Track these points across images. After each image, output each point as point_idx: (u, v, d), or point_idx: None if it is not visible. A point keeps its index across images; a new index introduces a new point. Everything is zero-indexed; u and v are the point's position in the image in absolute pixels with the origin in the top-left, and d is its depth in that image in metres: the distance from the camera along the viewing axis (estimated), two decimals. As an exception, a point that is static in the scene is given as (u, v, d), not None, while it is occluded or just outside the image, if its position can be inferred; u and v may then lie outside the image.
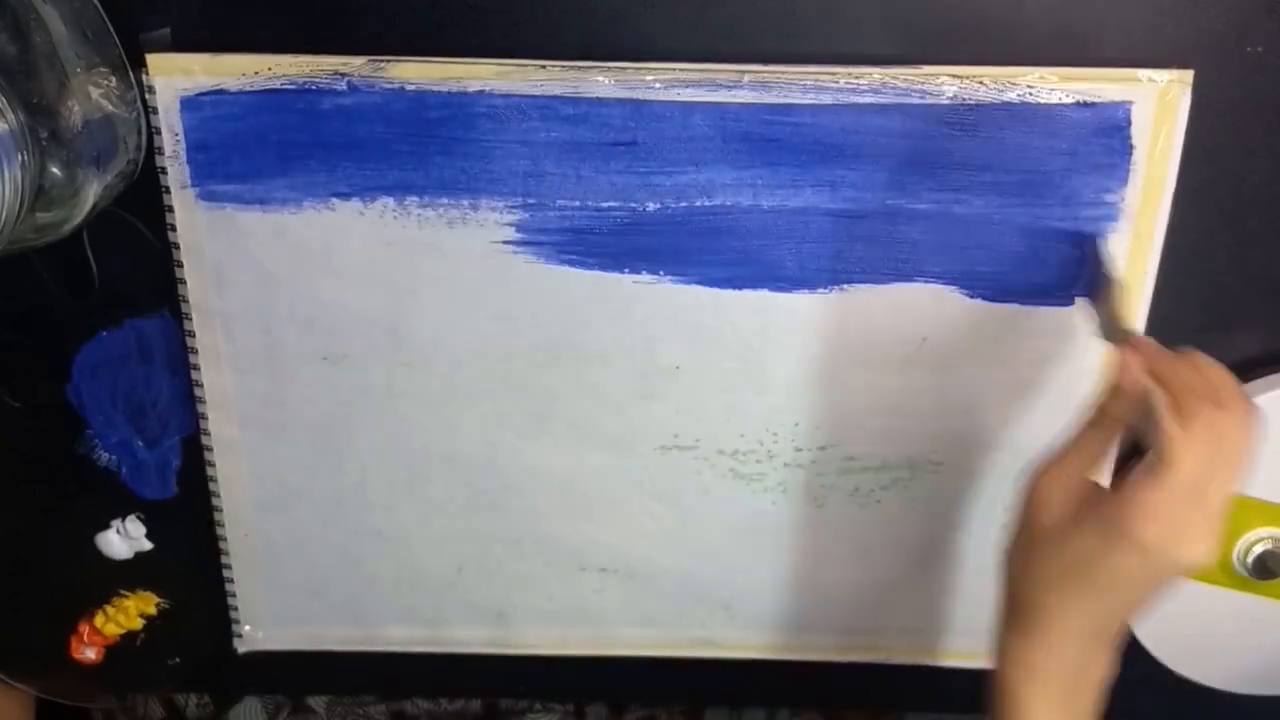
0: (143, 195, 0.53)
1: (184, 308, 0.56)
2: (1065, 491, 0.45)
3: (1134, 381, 0.44)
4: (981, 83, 0.50)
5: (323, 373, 0.57)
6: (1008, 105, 0.50)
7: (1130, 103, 0.50)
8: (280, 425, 0.59)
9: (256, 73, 0.51)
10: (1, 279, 0.56)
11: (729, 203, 0.53)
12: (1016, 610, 0.47)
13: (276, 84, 0.51)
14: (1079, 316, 0.54)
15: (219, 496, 0.61)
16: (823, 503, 0.60)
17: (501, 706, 0.76)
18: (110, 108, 0.50)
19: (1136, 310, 0.54)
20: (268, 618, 0.65)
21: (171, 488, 0.61)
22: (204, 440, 0.59)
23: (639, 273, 0.54)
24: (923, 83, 0.50)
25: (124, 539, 0.63)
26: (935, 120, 0.51)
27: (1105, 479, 0.49)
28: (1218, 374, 0.43)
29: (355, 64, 0.50)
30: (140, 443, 0.60)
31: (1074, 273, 0.53)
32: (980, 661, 0.65)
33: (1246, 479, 0.42)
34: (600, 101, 0.51)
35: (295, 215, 0.53)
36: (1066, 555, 0.44)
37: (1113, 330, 0.49)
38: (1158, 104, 0.50)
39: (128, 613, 0.65)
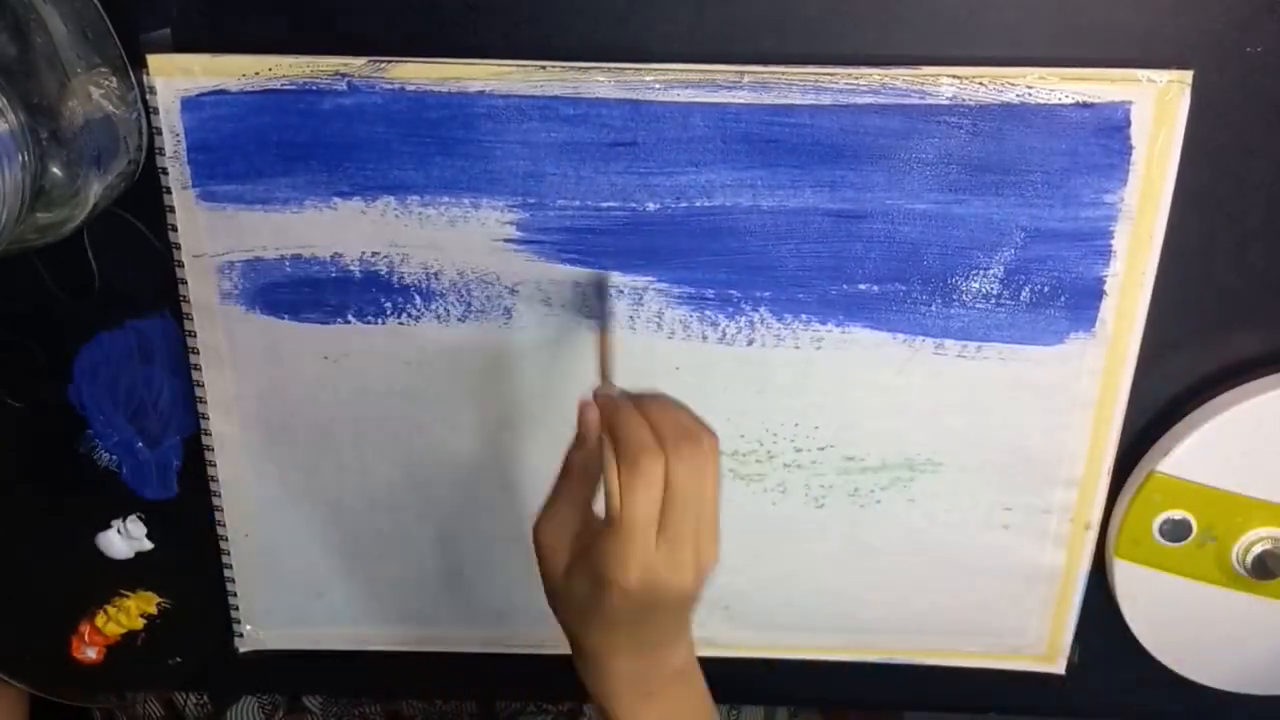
0: (143, 195, 0.53)
1: (184, 308, 0.56)
2: (563, 538, 0.47)
3: (587, 436, 0.46)
4: (981, 83, 0.50)
5: (323, 373, 0.57)
6: (1007, 105, 0.50)
7: (1130, 103, 0.50)
8: (280, 425, 0.59)
9: (257, 73, 0.51)
10: (2, 279, 0.56)
11: (729, 203, 0.53)
12: (574, 648, 0.49)
13: (277, 84, 0.51)
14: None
15: (219, 496, 0.61)
16: (822, 503, 0.60)
17: (499, 707, 0.76)
18: (111, 108, 0.50)
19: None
20: (268, 617, 0.65)
21: (172, 488, 0.61)
22: (204, 440, 0.59)
23: (639, 272, 0.54)
24: (922, 83, 0.50)
25: (125, 539, 0.63)
26: (935, 121, 0.51)
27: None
28: (665, 417, 0.45)
29: (356, 64, 0.50)
30: (141, 443, 0.60)
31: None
32: (981, 661, 0.65)
33: (714, 491, 0.45)
34: (600, 102, 0.51)
35: (297, 214, 0.53)
36: (576, 601, 0.46)
37: (600, 371, 0.51)
38: (1157, 104, 0.50)
39: (128, 612, 0.65)
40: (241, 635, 0.65)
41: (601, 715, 0.49)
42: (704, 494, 0.45)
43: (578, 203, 0.53)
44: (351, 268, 0.55)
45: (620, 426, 0.45)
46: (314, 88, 0.51)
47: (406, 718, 0.76)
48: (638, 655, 0.47)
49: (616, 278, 0.55)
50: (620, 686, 0.48)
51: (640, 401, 0.46)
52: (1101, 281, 0.54)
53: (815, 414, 0.58)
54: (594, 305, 0.54)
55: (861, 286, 0.55)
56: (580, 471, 0.47)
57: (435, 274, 0.55)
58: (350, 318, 0.56)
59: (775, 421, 0.58)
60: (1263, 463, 0.57)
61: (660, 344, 0.56)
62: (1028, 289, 0.54)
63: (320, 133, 0.52)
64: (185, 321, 0.56)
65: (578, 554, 0.46)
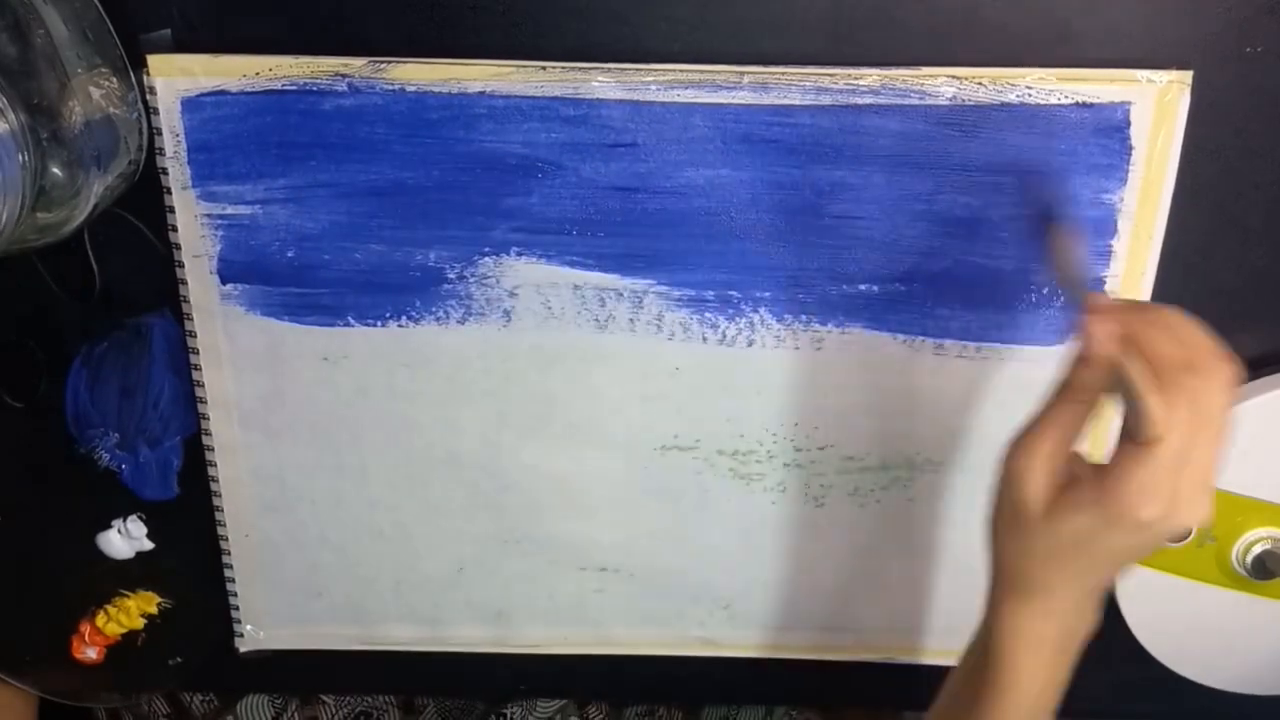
0: (143, 195, 0.53)
1: (185, 308, 0.56)
2: (1048, 471, 0.43)
3: (1104, 352, 0.42)
4: (980, 84, 0.50)
5: (323, 373, 0.57)
6: (1006, 106, 0.50)
7: (1129, 103, 0.50)
8: (281, 425, 0.59)
9: (257, 73, 0.51)
10: (2, 279, 0.56)
11: (729, 203, 0.53)
12: (1012, 583, 0.46)
13: (277, 85, 0.51)
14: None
15: (220, 496, 0.61)
16: (822, 502, 0.60)
17: (503, 705, 0.76)
18: (111, 108, 0.50)
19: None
20: (269, 617, 0.65)
21: (173, 488, 0.61)
22: (205, 440, 0.59)
23: (639, 274, 0.54)
24: (922, 84, 0.50)
25: (125, 539, 0.63)
26: (934, 121, 0.51)
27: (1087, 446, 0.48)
28: (1191, 334, 0.41)
29: (356, 65, 0.50)
30: (141, 443, 0.60)
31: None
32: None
33: (1231, 439, 0.41)
34: (600, 102, 0.51)
35: (297, 215, 0.53)
36: (1063, 536, 0.43)
37: (1067, 279, 0.47)
38: (1157, 104, 0.50)
39: (129, 612, 0.65)
40: (242, 635, 0.65)
41: (1002, 663, 0.46)
42: (1228, 422, 0.41)
43: (577, 203, 0.53)
44: (351, 269, 0.55)
45: (1155, 341, 0.41)
46: (314, 88, 0.51)
47: (419, 708, 0.76)
48: (1083, 603, 0.44)
49: (616, 279, 0.55)
50: (1050, 632, 0.45)
51: (1159, 315, 0.42)
52: (1101, 281, 0.54)
53: (815, 414, 0.58)
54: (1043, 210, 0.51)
55: (861, 287, 0.55)
56: (1082, 392, 0.43)
57: (435, 276, 0.55)
58: (350, 319, 0.56)
59: (775, 421, 0.58)
60: (1263, 463, 0.57)
61: (661, 345, 0.56)
62: (1027, 289, 0.54)
63: (320, 133, 0.52)
64: (185, 321, 0.56)
65: (1061, 485, 0.43)
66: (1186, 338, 0.41)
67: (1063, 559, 0.43)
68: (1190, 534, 0.43)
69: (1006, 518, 0.45)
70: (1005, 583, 0.46)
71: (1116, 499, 0.41)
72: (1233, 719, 0.66)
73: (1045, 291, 0.54)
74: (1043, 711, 0.47)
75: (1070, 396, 0.43)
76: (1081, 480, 0.42)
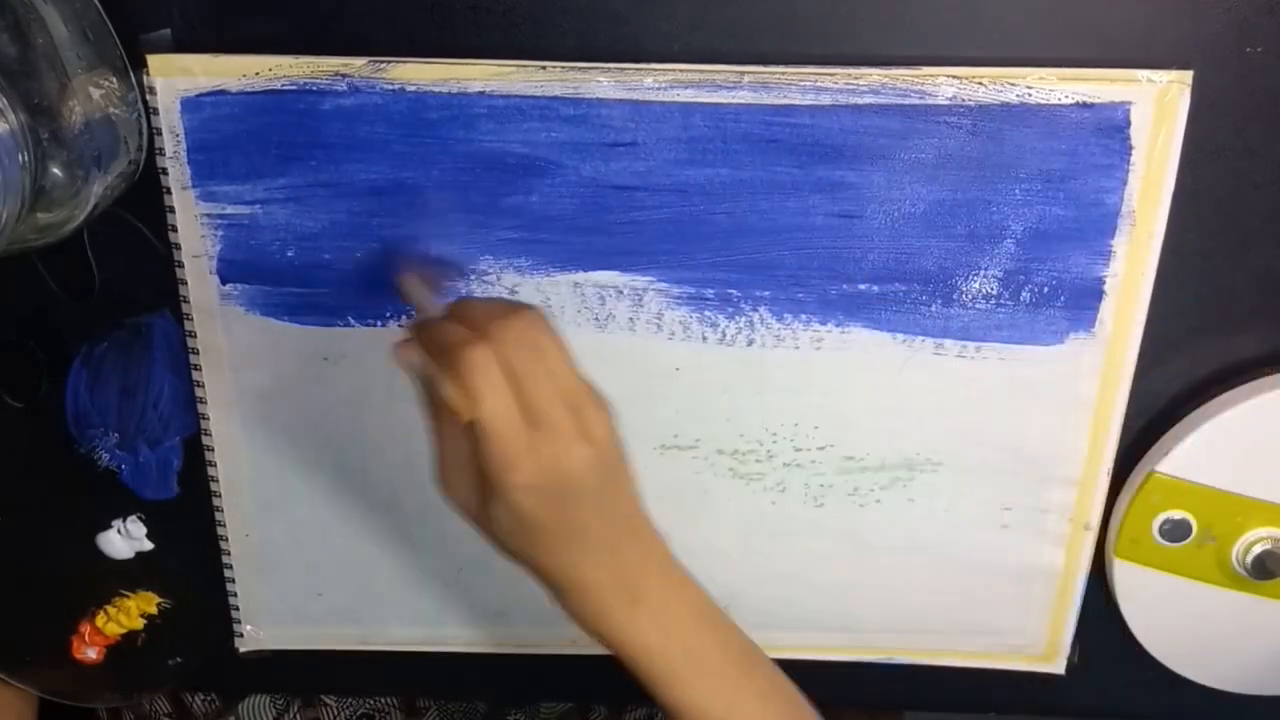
0: (143, 196, 0.53)
1: (184, 308, 0.56)
2: (463, 480, 0.44)
3: (407, 363, 0.44)
4: (981, 83, 0.50)
5: (323, 374, 0.57)
6: (1007, 106, 0.50)
7: (1130, 103, 0.50)
8: (280, 425, 0.59)
9: (257, 73, 0.51)
10: (2, 279, 0.56)
11: (729, 203, 0.53)
12: (551, 587, 0.46)
13: (277, 85, 0.51)
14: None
15: (220, 496, 0.61)
16: (821, 502, 0.60)
17: (505, 709, 0.76)
18: (111, 108, 0.50)
19: None
20: (269, 617, 0.65)
21: (172, 488, 0.61)
22: (205, 440, 0.59)
23: (639, 273, 0.54)
24: (922, 83, 0.50)
25: (125, 539, 0.63)
26: (935, 121, 0.51)
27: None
28: (477, 307, 0.43)
29: (356, 65, 0.50)
30: (141, 443, 0.60)
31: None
32: (981, 661, 0.65)
33: (562, 360, 0.43)
34: (600, 102, 0.51)
35: (297, 215, 0.53)
36: (506, 529, 0.43)
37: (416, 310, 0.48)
38: (1157, 104, 0.50)
39: (129, 613, 0.65)
40: (242, 635, 0.65)
41: (603, 643, 0.45)
42: (549, 363, 0.42)
43: (577, 203, 0.53)
44: (351, 269, 0.55)
45: (431, 336, 0.42)
46: (314, 88, 0.51)
47: (421, 709, 0.76)
48: (601, 558, 0.44)
49: (616, 277, 0.55)
50: (602, 599, 0.45)
51: (448, 308, 0.44)
52: (1101, 281, 0.54)
53: (815, 414, 0.58)
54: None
55: (861, 286, 0.55)
56: (438, 410, 0.44)
57: (434, 276, 0.55)
58: (350, 319, 0.56)
59: (775, 421, 0.58)
60: (1263, 463, 0.57)
61: (660, 344, 0.56)
62: (1027, 289, 0.54)
63: (320, 133, 0.52)
64: (185, 321, 0.56)
65: (482, 488, 0.44)
66: (465, 313, 0.43)
67: (527, 541, 0.43)
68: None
69: (488, 537, 0.45)
70: (547, 588, 0.46)
71: (493, 483, 0.42)
72: (1233, 719, 0.66)
73: (1045, 291, 0.54)
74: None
75: (433, 417, 0.45)
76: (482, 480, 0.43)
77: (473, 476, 0.44)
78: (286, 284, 0.55)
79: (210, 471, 0.60)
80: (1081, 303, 0.54)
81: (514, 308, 0.43)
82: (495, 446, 0.41)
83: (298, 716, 0.74)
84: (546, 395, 0.42)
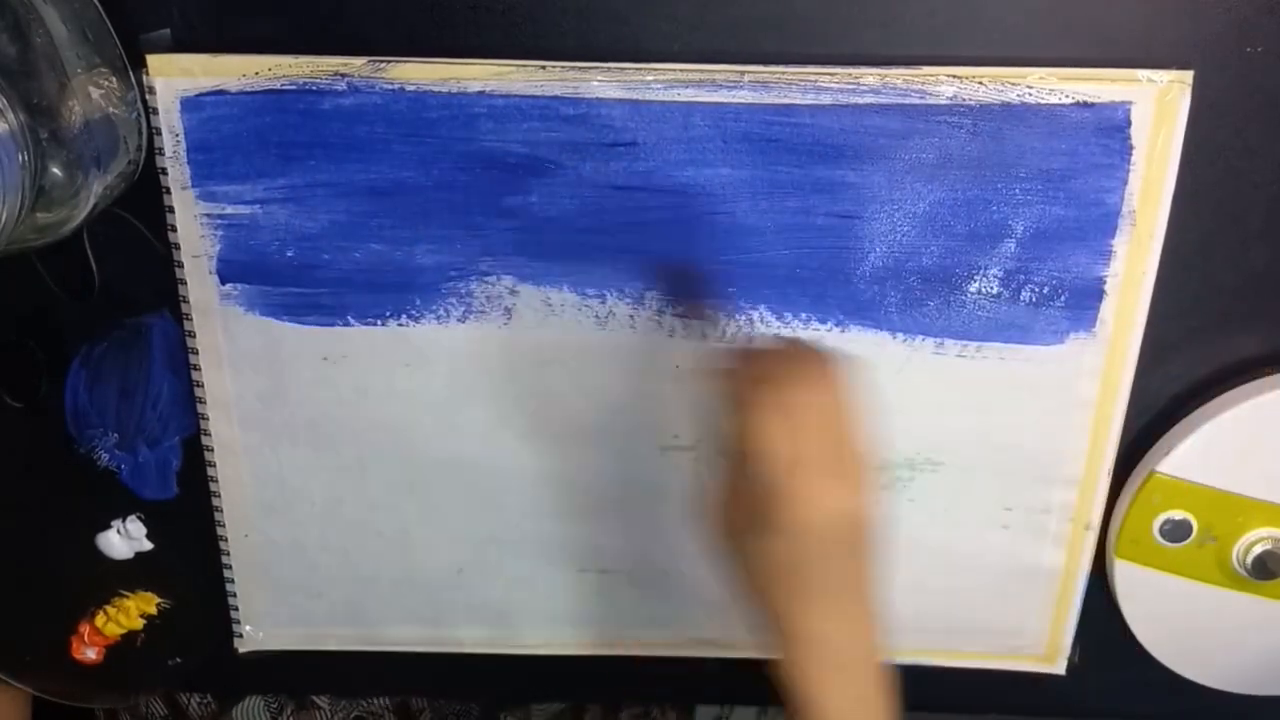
0: (143, 195, 0.53)
1: (184, 308, 0.56)
2: (739, 519, 0.46)
3: (722, 390, 0.46)
4: (981, 83, 0.50)
5: (323, 373, 0.57)
6: (1007, 105, 0.50)
7: (1130, 103, 0.50)
8: (280, 425, 0.59)
9: (257, 73, 0.51)
10: (2, 279, 0.56)
11: (729, 203, 0.53)
12: (770, 623, 0.47)
13: (277, 84, 0.51)
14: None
15: (219, 497, 0.61)
16: (823, 503, 0.60)
17: (498, 711, 0.76)
18: (110, 108, 0.50)
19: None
20: (268, 618, 0.65)
21: (172, 488, 0.61)
22: (204, 440, 0.59)
23: (639, 272, 0.54)
24: (922, 83, 0.50)
25: (124, 539, 0.63)
26: (935, 121, 0.51)
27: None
28: (774, 352, 0.45)
29: (355, 64, 0.50)
30: (141, 443, 0.60)
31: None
32: (981, 661, 0.65)
33: (852, 417, 0.44)
34: (600, 102, 0.51)
35: (296, 215, 0.53)
36: (752, 560, 0.45)
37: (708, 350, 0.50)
38: (1157, 104, 0.50)
39: (128, 613, 0.65)
40: (241, 635, 0.65)
41: (791, 698, 0.46)
42: (841, 417, 0.44)
43: (577, 203, 0.53)
44: (351, 269, 0.55)
45: (727, 377, 0.45)
46: (314, 88, 0.51)
47: (415, 712, 0.76)
48: (834, 611, 0.45)
49: (616, 277, 0.54)
50: (811, 653, 0.45)
51: (748, 348, 0.46)
52: (1101, 281, 0.54)
53: (815, 414, 0.58)
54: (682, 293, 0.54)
55: (861, 286, 0.55)
56: (730, 440, 0.45)
57: (435, 275, 0.55)
58: (350, 319, 0.56)
59: (775, 421, 0.58)
60: (1263, 463, 0.57)
61: (661, 343, 0.56)
62: (1028, 289, 0.54)
63: (320, 133, 0.52)
64: (185, 321, 0.56)
65: (752, 526, 0.45)
66: (762, 355, 0.45)
67: (764, 575, 0.45)
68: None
69: (731, 557, 0.47)
70: (768, 625, 0.46)
71: (759, 516, 0.43)
72: (1233, 719, 0.66)
73: (1045, 291, 0.54)
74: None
75: (730, 445, 0.45)
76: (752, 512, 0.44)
77: (746, 513, 0.45)
78: (286, 284, 0.55)
79: (209, 471, 0.60)
80: (1082, 302, 0.54)
81: (820, 357, 0.45)
82: (767, 486, 0.43)
83: (292, 719, 0.74)
84: (828, 445, 0.43)
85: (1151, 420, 0.58)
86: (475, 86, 0.51)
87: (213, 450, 0.59)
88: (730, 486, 0.46)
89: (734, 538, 0.46)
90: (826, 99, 0.51)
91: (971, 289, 0.54)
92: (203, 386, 0.58)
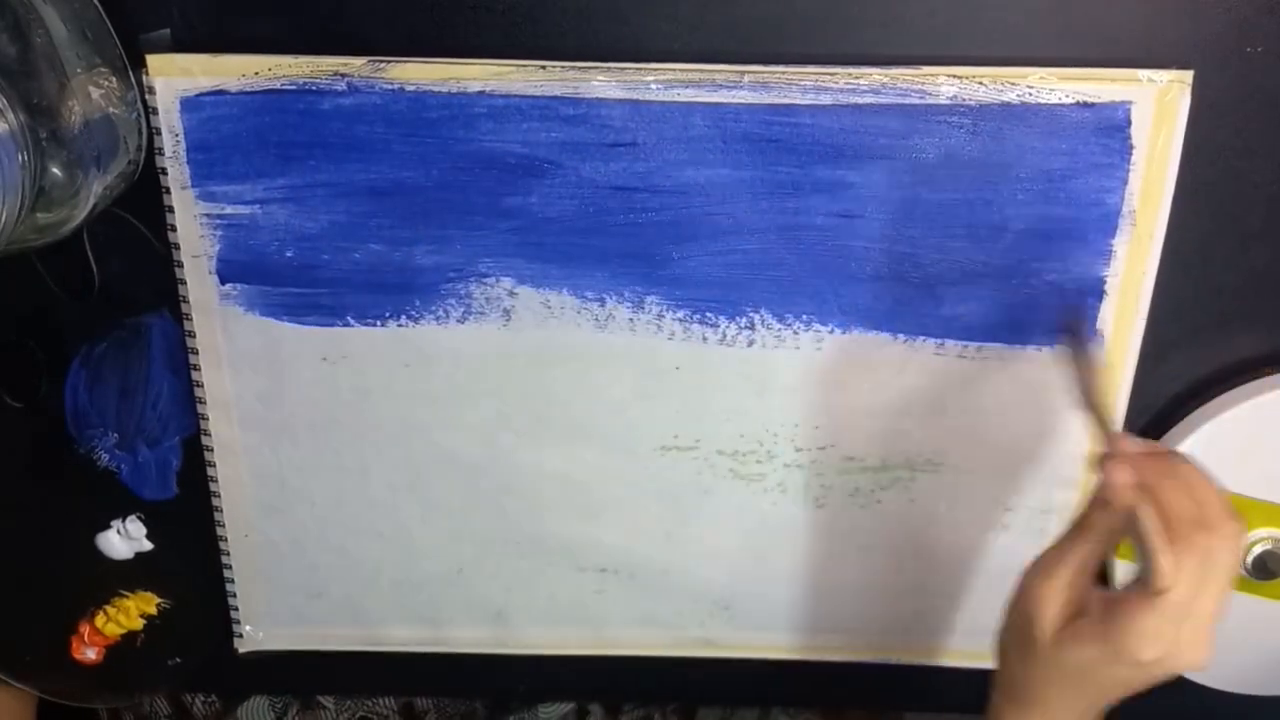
0: (143, 195, 0.53)
1: (184, 308, 0.56)
2: (1062, 602, 0.46)
3: (1121, 500, 0.44)
4: (981, 83, 0.50)
5: (323, 373, 0.57)
6: (1007, 105, 0.50)
7: (1130, 103, 0.50)
8: (280, 425, 0.59)
9: (256, 73, 0.51)
10: (2, 279, 0.56)
11: (729, 203, 0.53)
12: (1013, 694, 0.48)
13: (277, 84, 0.51)
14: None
15: (219, 497, 0.61)
16: (822, 503, 0.60)
17: (504, 711, 0.76)
18: (110, 108, 0.50)
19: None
20: (268, 618, 0.65)
21: (172, 488, 0.61)
22: (204, 440, 0.59)
23: (638, 272, 0.54)
24: (922, 83, 0.50)
25: (124, 539, 0.63)
26: (935, 121, 0.51)
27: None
28: (1205, 489, 0.44)
29: (355, 64, 0.50)
30: (141, 443, 0.60)
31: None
32: (981, 662, 0.65)
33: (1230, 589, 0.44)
34: (600, 101, 0.51)
35: (296, 215, 0.53)
36: (1067, 663, 0.45)
37: (1090, 407, 0.49)
38: (1157, 104, 0.50)
39: (128, 613, 0.65)
40: (241, 635, 0.65)
41: None
42: (1231, 578, 0.44)
43: (577, 203, 0.53)
44: (351, 269, 0.55)
45: (1170, 493, 0.44)
46: (314, 88, 0.51)
47: (420, 713, 0.76)
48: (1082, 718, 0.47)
49: (616, 277, 0.54)
50: None
51: (1176, 467, 0.45)
52: (1101, 281, 0.54)
53: (815, 414, 0.58)
54: (1071, 336, 0.53)
55: (862, 287, 0.55)
56: (1099, 532, 0.46)
57: (434, 275, 0.55)
58: (350, 319, 0.56)
59: (775, 421, 0.58)
60: (1263, 463, 0.57)
61: (661, 345, 0.56)
62: (1028, 289, 0.54)
63: (320, 133, 0.52)
64: (185, 322, 0.56)
65: (1072, 615, 0.46)
66: (1200, 493, 0.44)
67: (1064, 683, 0.46)
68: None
69: (1016, 636, 0.48)
70: (1007, 693, 0.48)
71: (1121, 639, 0.43)
72: (1233, 719, 0.66)
73: (1045, 291, 0.54)
74: None
75: (1087, 535, 0.46)
76: (1091, 613, 0.45)
77: (1067, 602, 0.46)
78: (286, 284, 0.55)
79: (209, 471, 0.60)
80: (1082, 302, 0.54)
81: (1233, 510, 0.44)
82: (1155, 623, 0.43)
83: (296, 719, 0.74)
84: (1217, 606, 0.43)
85: (1151, 420, 0.58)
86: (475, 86, 0.51)
87: (212, 450, 0.59)
88: (1075, 578, 0.46)
89: (1050, 625, 0.46)
90: (827, 99, 0.51)
91: (971, 289, 0.54)
92: (202, 386, 0.58)
